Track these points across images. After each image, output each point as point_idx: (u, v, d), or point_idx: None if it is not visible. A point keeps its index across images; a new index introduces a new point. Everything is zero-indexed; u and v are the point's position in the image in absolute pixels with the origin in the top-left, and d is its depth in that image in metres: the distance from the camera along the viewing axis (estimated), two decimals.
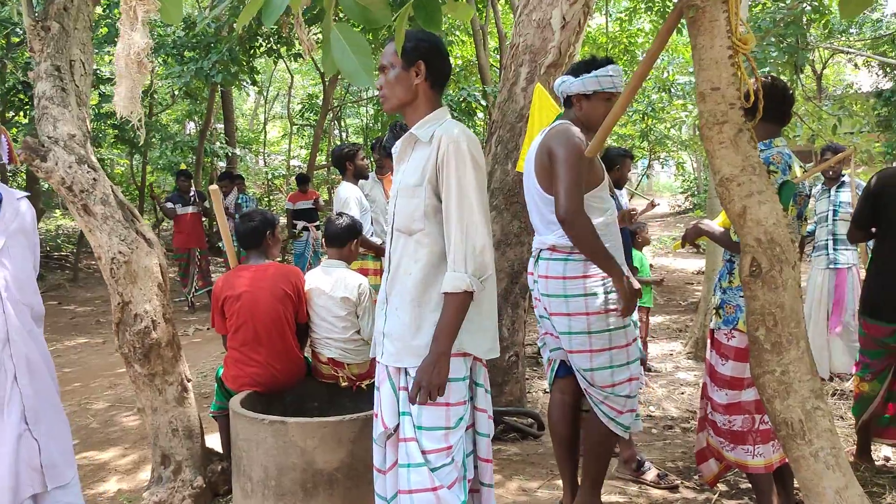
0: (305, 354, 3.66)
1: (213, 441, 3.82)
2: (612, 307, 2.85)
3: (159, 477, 3.40)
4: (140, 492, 3.60)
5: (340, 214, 3.73)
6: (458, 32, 13.02)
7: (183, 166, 13.44)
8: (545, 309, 2.97)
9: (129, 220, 3.26)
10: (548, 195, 2.88)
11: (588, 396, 2.98)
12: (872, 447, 3.92)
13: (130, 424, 4.90)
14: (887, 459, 3.94)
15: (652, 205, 5.93)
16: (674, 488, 3.58)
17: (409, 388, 2.22)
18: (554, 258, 2.90)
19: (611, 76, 2.95)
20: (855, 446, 3.94)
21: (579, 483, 3.18)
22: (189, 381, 3.48)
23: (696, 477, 3.70)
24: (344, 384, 3.53)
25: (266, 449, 2.92)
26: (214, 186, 3.68)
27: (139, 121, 2.57)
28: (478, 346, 2.28)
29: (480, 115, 11.93)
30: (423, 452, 2.19)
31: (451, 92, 11.36)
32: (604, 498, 3.45)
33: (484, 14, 11.96)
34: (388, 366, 2.33)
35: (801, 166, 3.37)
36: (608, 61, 2.98)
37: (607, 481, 3.65)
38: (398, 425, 2.28)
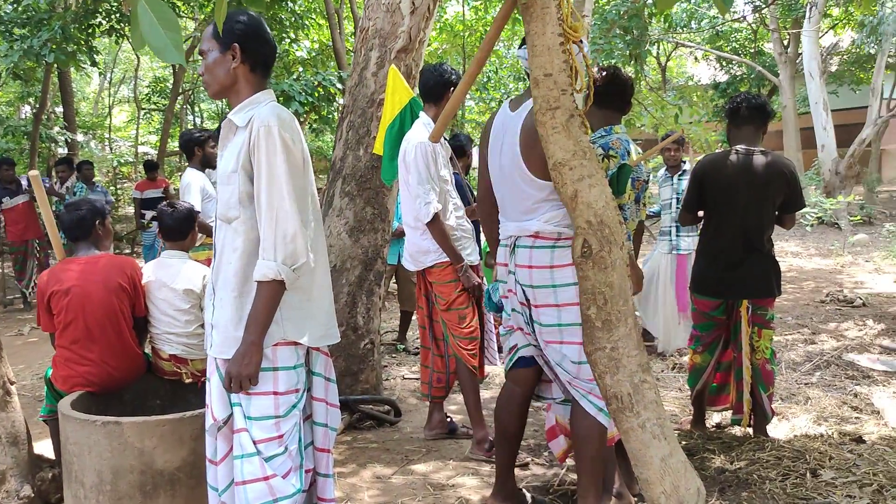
0: (146, 350, 3.47)
1: (45, 447, 3.55)
2: None
3: None
4: None
5: (171, 204, 3.56)
6: (314, 16, 12.76)
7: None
8: (522, 303, 2.79)
9: None
10: (539, 179, 2.65)
11: (572, 390, 2.78)
12: (706, 415, 4.20)
13: None
14: (718, 425, 4.23)
15: None
16: (524, 465, 3.68)
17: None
18: (538, 246, 2.71)
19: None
20: (691, 416, 4.19)
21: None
22: (13, 383, 3.21)
23: (546, 454, 3.82)
24: (188, 380, 3.37)
25: (99, 452, 2.75)
26: (35, 172, 3.39)
27: None
28: (305, 335, 2.22)
29: (341, 100, 11.78)
30: (255, 442, 2.16)
31: (309, 76, 11.14)
32: (457, 479, 3.52)
33: None
34: (216, 357, 2.25)
35: (638, 152, 3.54)
36: None
37: (460, 463, 3.72)
38: (230, 416, 2.25)
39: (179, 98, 17.13)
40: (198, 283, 3.32)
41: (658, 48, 20.84)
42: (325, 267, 2.33)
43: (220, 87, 2.25)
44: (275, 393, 2.17)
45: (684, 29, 18.36)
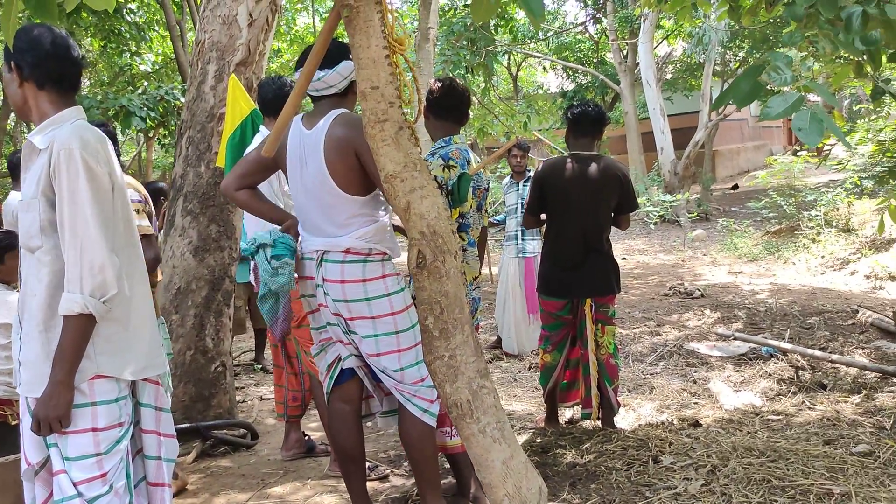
0: None
1: None
2: (409, 303, 2.75)
3: None
4: None
5: None
6: (157, 27, 12.24)
7: None
8: (336, 314, 2.74)
9: None
10: (349, 195, 2.66)
11: (398, 395, 2.81)
12: (559, 412, 4.34)
13: None
14: (570, 421, 4.39)
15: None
16: (384, 478, 3.66)
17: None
18: (349, 261, 2.68)
19: None
20: (545, 413, 4.32)
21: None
22: None
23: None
24: (14, 422, 3.12)
25: None
26: None
27: None
28: (122, 368, 2.10)
29: None
30: (75, 484, 2.01)
31: (152, 90, 10.68)
32: (315, 499, 3.45)
33: (181, 9, 11.37)
34: (26, 396, 2.09)
35: (477, 161, 3.62)
36: None
37: (319, 481, 3.65)
38: (48, 458, 2.09)
39: (12, 116, 15.93)
40: None
41: (508, 59, 21.53)
42: (144, 295, 2.20)
43: (16, 107, 2.11)
44: (94, 430, 2.03)
45: (532, 40, 19.06)
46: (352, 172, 2.63)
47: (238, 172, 2.87)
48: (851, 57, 3.02)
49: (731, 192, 19.26)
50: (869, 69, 3.03)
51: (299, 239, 2.85)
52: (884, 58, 2.85)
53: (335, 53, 2.67)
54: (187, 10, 11.24)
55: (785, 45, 2.20)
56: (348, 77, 2.72)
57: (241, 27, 4.32)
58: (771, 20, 5.65)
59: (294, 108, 2.48)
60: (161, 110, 10.33)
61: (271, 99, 3.70)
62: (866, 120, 10.82)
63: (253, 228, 3.76)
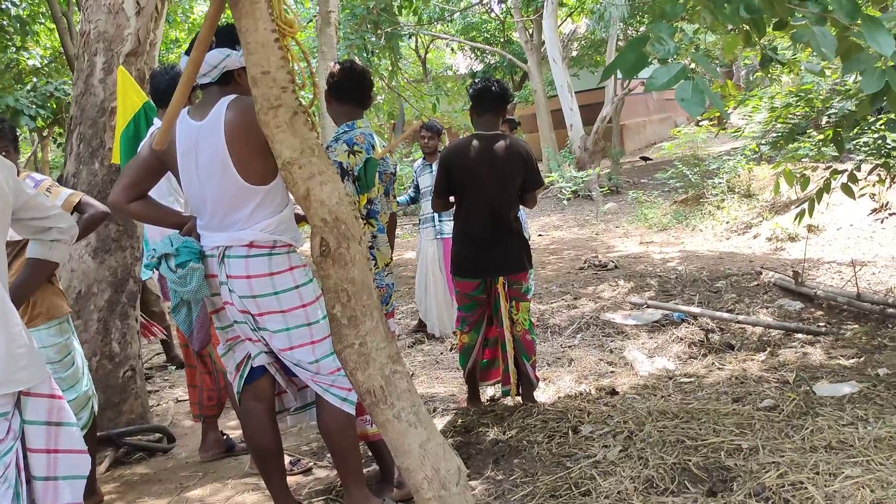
0: None
1: None
2: (319, 294, 2.67)
3: None
4: None
5: None
6: (43, 21, 11.61)
7: None
8: (243, 311, 2.64)
9: None
10: (250, 184, 2.55)
11: (315, 387, 2.76)
12: (480, 391, 4.37)
13: None
14: (492, 399, 4.42)
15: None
16: (307, 471, 3.61)
17: None
18: (254, 255, 2.59)
19: None
20: (467, 394, 4.34)
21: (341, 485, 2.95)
22: None
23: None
24: None
25: None
26: None
27: None
28: None
29: None
30: None
31: (42, 86, 10.15)
32: (236, 498, 3.37)
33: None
34: None
35: (382, 145, 3.57)
36: None
37: (240, 481, 3.57)
38: None
39: None
40: None
41: (416, 41, 21.42)
42: None
43: None
44: None
45: (438, 21, 19.00)
46: (256, 158, 2.53)
47: (125, 183, 2.70)
48: (738, 27, 3.10)
49: (645, 162, 19.75)
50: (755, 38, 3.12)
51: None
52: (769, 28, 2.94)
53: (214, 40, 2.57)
54: (73, 0, 10.70)
55: (669, 18, 2.24)
56: (219, 66, 2.62)
57: (129, 16, 4.13)
58: None
59: (183, 97, 2.38)
60: (53, 107, 9.81)
61: (164, 89, 3.54)
62: (761, 89, 11.27)
63: (155, 234, 3.62)
